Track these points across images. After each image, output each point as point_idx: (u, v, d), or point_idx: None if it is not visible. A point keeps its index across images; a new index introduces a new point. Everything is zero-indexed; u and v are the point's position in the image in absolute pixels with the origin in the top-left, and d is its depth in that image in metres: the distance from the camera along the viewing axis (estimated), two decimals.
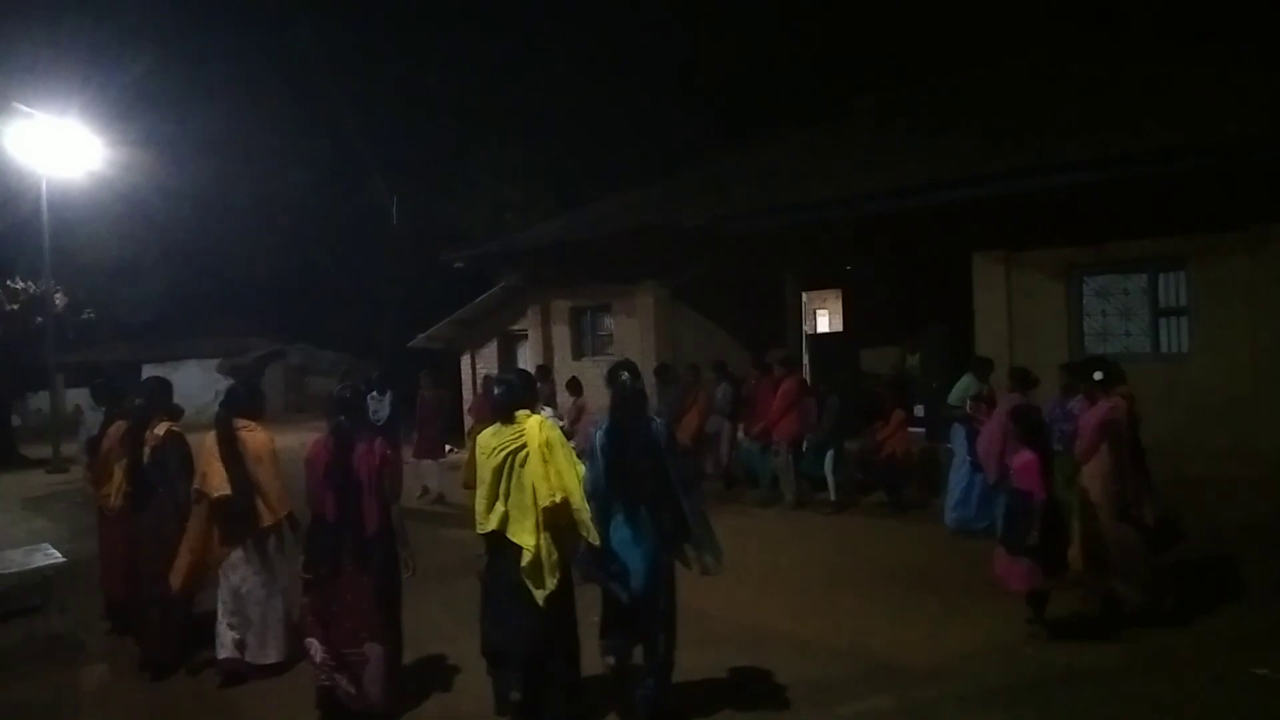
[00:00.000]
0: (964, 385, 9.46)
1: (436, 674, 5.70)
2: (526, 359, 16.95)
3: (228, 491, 5.56)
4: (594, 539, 4.54)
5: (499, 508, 4.58)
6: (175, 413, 6.53)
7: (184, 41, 22.98)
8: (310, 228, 26.57)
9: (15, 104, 16.62)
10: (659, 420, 4.91)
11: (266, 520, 5.69)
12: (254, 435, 5.76)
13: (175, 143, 21.65)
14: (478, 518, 4.67)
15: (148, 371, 30.10)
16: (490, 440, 4.68)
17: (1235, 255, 9.56)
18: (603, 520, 4.60)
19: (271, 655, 5.72)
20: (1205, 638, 5.70)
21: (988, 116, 13.07)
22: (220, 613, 5.70)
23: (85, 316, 20.62)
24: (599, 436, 4.73)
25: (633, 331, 15.26)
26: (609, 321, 16.12)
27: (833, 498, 10.47)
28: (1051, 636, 5.76)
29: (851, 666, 5.56)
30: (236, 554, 5.67)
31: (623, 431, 4.69)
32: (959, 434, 9.18)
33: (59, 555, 8.10)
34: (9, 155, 17.19)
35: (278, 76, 25.40)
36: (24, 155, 17.20)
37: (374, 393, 11.58)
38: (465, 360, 19.17)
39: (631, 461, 4.63)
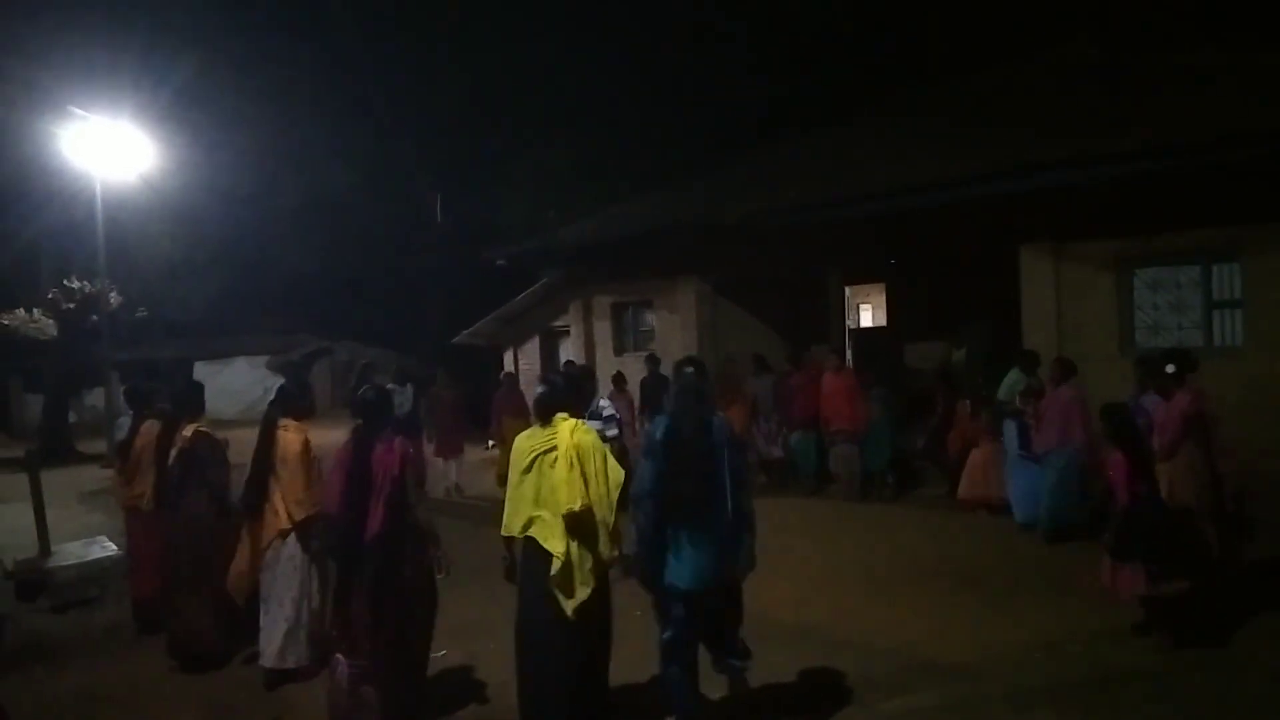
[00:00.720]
0: (1012, 380, 9.38)
1: (470, 676, 5.76)
2: (569, 355, 17.03)
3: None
4: (612, 552, 4.44)
5: (526, 512, 4.49)
6: (198, 413, 6.52)
7: (232, 44, 23.35)
8: (356, 226, 26.91)
9: (70, 107, 17.00)
10: (720, 416, 4.69)
11: (282, 523, 5.61)
12: (285, 435, 5.70)
13: (224, 144, 22.04)
14: (505, 520, 4.61)
15: (199, 369, 30.80)
16: (524, 442, 4.62)
17: None
18: (655, 521, 4.36)
19: (289, 660, 5.63)
20: (1259, 636, 5.57)
21: (1034, 108, 12.86)
22: (260, 613, 5.71)
23: (138, 315, 21.05)
24: (656, 433, 4.53)
25: (674, 327, 15.25)
26: (650, 317, 16.13)
27: (890, 483, 10.73)
28: (1104, 636, 5.66)
29: (894, 663, 5.52)
30: (269, 555, 5.65)
31: (681, 428, 4.47)
32: (1010, 429, 9.06)
33: (115, 548, 8.31)
34: (65, 158, 17.59)
35: (323, 78, 25.73)
36: (79, 158, 17.60)
37: (393, 385, 11.52)
38: (508, 357, 19.30)
39: (690, 459, 4.40)
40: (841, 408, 10.63)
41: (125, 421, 7.57)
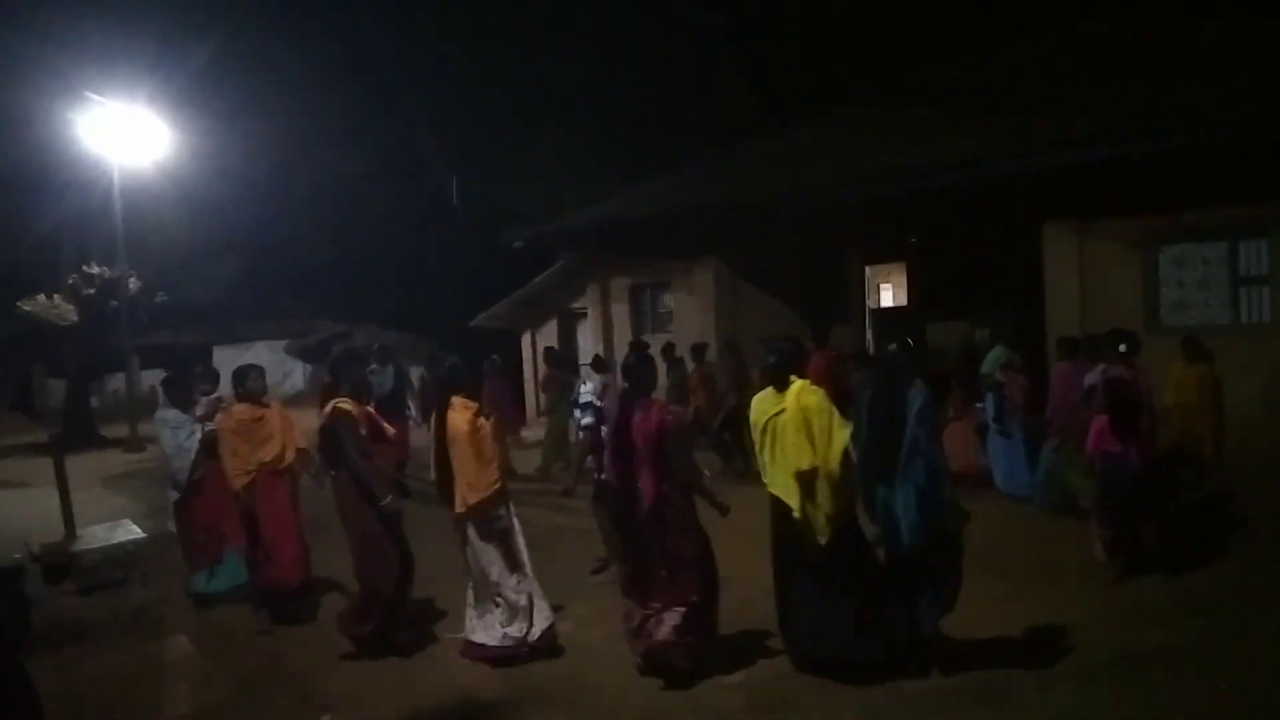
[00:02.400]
0: (995, 355, 9.55)
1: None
2: (586, 337, 17.01)
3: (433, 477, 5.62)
4: (839, 505, 4.76)
5: (769, 470, 4.92)
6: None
7: (248, 30, 23.37)
8: (373, 210, 26.96)
9: (88, 93, 17.06)
10: (919, 387, 4.95)
11: (459, 505, 5.48)
12: (454, 415, 5.55)
13: (241, 129, 22.07)
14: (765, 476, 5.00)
15: (218, 353, 31.00)
16: (760, 405, 4.99)
17: None
18: (867, 485, 4.89)
19: (479, 636, 5.59)
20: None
21: (1056, 86, 12.67)
22: (468, 594, 5.67)
23: (158, 300, 21.18)
24: (862, 405, 4.99)
25: (692, 309, 15.20)
26: (668, 299, 16.08)
27: None
28: (1127, 616, 5.61)
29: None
30: (470, 534, 5.52)
31: (883, 399, 4.89)
32: (989, 402, 9.27)
33: (139, 531, 8.38)
34: (83, 144, 17.67)
35: (340, 62, 25.73)
36: (97, 144, 17.67)
37: (374, 365, 11.31)
38: (525, 339, 19.30)
39: (889, 429, 4.79)
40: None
41: (175, 416, 7.11)
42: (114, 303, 19.63)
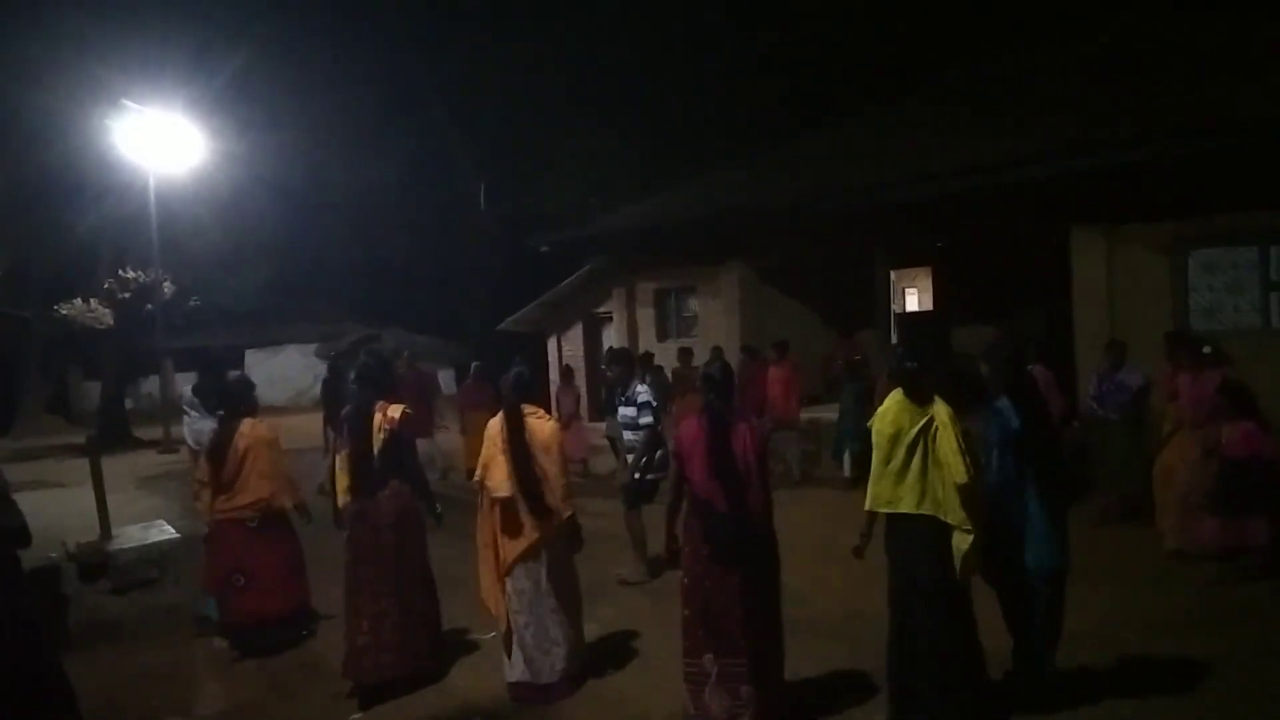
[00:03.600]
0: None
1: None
2: (611, 341, 17.07)
3: (506, 493, 5.15)
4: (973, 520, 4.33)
5: (890, 488, 4.43)
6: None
7: (280, 37, 23.62)
8: (402, 214, 27.18)
9: (124, 100, 17.36)
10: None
11: (542, 522, 5.18)
12: (541, 423, 5.29)
13: (271, 135, 22.33)
14: (877, 499, 4.48)
15: (250, 356, 31.37)
16: (894, 415, 4.47)
17: None
18: (1010, 505, 4.54)
19: (544, 676, 5.20)
20: None
21: (1080, 87, 12.60)
22: (512, 626, 5.23)
23: (192, 304, 21.48)
24: (1004, 420, 4.59)
25: (717, 313, 15.22)
26: (693, 303, 16.11)
27: (846, 474, 10.92)
28: (1155, 623, 5.58)
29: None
30: (553, 553, 5.24)
31: (1027, 412, 4.60)
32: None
33: (173, 531, 8.52)
34: (120, 150, 17.97)
35: (369, 69, 25.96)
36: (133, 150, 17.97)
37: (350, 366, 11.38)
38: (551, 343, 19.39)
39: (1034, 440, 4.56)
40: (777, 398, 11.41)
41: (200, 422, 7.02)
42: (149, 307, 19.94)
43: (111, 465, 11.66)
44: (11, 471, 4.40)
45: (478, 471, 5.34)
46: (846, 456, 11.11)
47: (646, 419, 7.38)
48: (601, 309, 17.97)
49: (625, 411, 7.63)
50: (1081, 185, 10.45)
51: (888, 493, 4.44)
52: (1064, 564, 4.59)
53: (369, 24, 26.50)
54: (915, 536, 4.39)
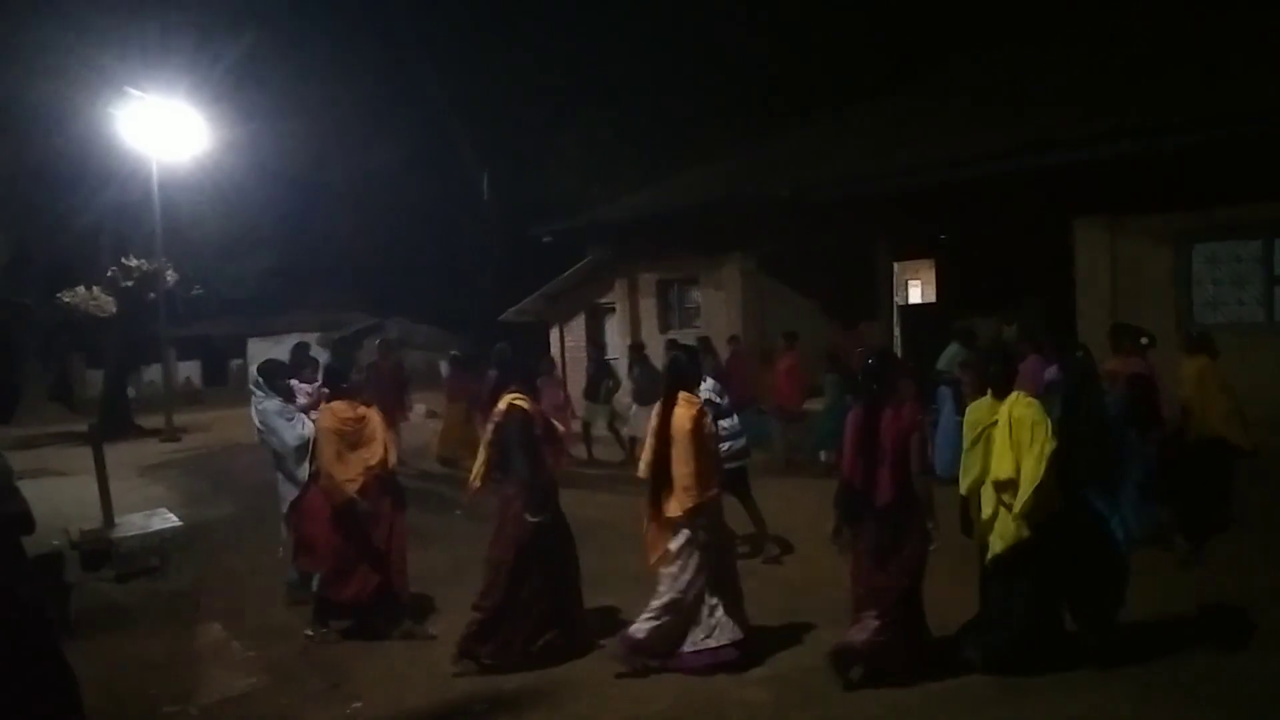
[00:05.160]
0: (952, 352, 10.09)
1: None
2: (613, 332, 17.07)
3: (643, 475, 5.32)
4: (1031, 510, 4.75)
5: (973, 475, 5.00)
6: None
7: (283, 24, 23.58)
8: (405, 204, 27.17)
9: (127, 88, 17.33)
10: (1110, 392, 5.44)
11: (673, 509, 5.16)
12: (680, 410, 5.25)
13: (275, 123, 22.30)
14: (961, 482, 5.09)
15: (253, 345, 31.38)
16: (977, 413, 5.09)
17: None
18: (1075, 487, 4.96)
19: (687, 645, 5.24)
20: None
21: (1082, 78, 12.56)
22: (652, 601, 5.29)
23: (194, 292, 21.45)
24: (1054, 410, 5.11)
25: (719, 304, 15.22)
26: (696, 294, 16.10)
27: (824, 460, 11.07)
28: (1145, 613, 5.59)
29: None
30: (681, 539, 5.21)
31: (1078, 403, 5.15)
32: (946, 396, 9.78)
33: (176, 519, 8.55)
34: (122, 138, 17.95)
35: (374, 56, 25.92)
36: (136, 138, 17.94)
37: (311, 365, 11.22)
38: (554, 334, 19.39)
39: (1085, 431, 5.03)
40: (782, 388, 11.64)
41: (266, 402, 6.71)
42: (151, 295, 19.91)
43: (114, 453, 11.71)
44: (14, 459, 4.40)
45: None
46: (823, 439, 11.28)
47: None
48: (604, 300, 17.95)
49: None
50: (1084, 177, 10.43)
51: (963, 479, 5.07)
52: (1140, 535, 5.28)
53: (372, 12, 26.46)
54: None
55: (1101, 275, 10.65)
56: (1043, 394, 7.26)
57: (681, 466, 5.13)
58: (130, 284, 20.18)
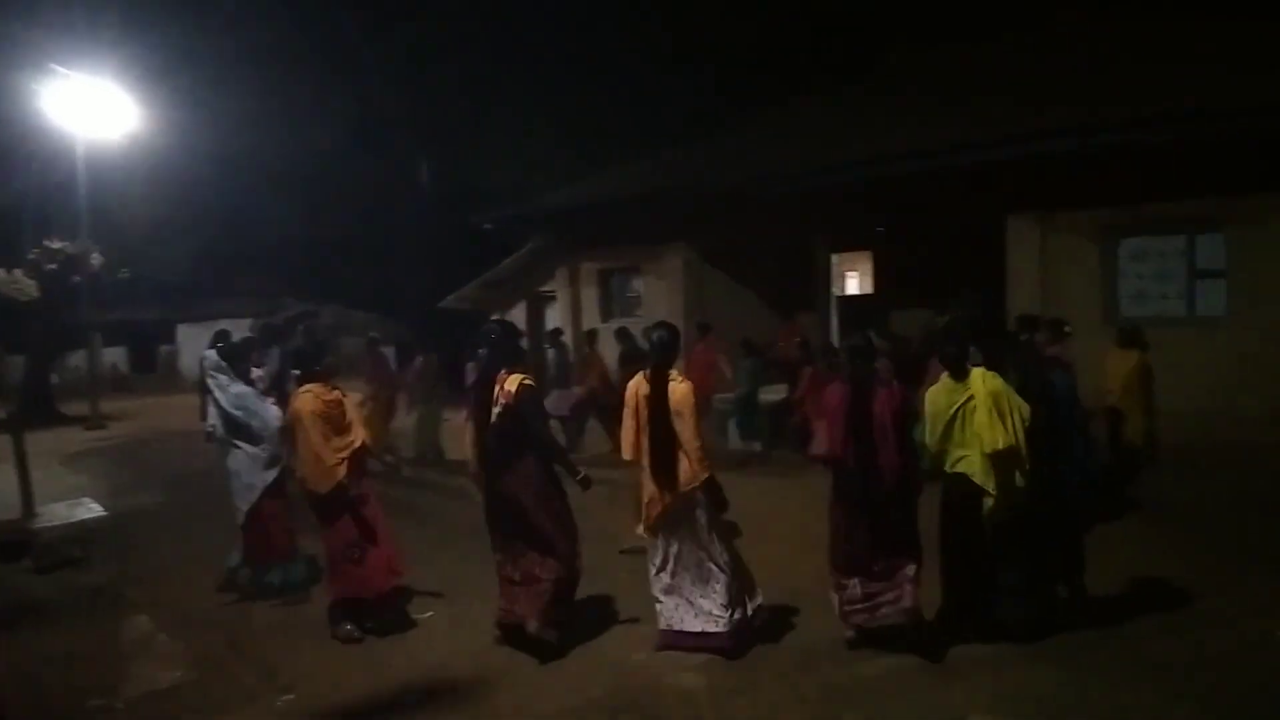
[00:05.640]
0: None
1: (460, 635, 5.80)
2: (555, 321, 17.01)
3: (630, 458, 5.30)
4: (1022, 481, 5.00)
5: (954, 453, 5.10)
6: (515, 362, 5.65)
7: (216, 3, 23.00)
8: (341, 188, 26.65)
9: (53, 65, 16.75)
10: (1062, 373, 5.68)
11: (685, 482, 5.11)
12: (675, 386, 5.19)
13: (208, 104, 21.76)
14: (933, 458, 5.18)
15: (182, 331, 30.63)
16: (943, 396, 5.15)
17: (1274, 217, 9.42)
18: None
19: (695, 624, 5.25)
20: (1229, 602, 5.67)
21: (1021, 76, 12.84)
22: (654, 574, 5.35)
23: (120, 276, 20.86)
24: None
25: (661, 294, 15.25)
26: (637, 283, 16.11)
27: (758, 449, 11.30)
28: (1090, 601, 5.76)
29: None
30: (697, 513, 5.20)
31: (1030, 383, 5.34)
32: None
33: (99, 509, 8.33)
34: (47, 116, 17.36)
35: (307, 38, 25.37)
36: (61, 116, 17.36)
37: (260, 348, 11.01)
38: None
39: (1039, 409, 5.19)
40: (703, 377, 11.59)
41: (234, 387, 6.59)
42: (76, 278, 19.33)
43: (35, 442, 11.34)
44: None
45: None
46: (731, 426, 11.60)
47: None
48: (545, 288, 17.88)
49: None
50: (1016, 173, 10.68)
51: (935, 457, 5.19)
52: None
53: None
54: (960, 494, 5.11)
55: (1032, 269, 10.91)
56: None
57: (692, 439, 5.12)
58: (54, 267, 19.57)
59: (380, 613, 5.89)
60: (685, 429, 5.13)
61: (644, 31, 24.09)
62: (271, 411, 6.57)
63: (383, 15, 25.46)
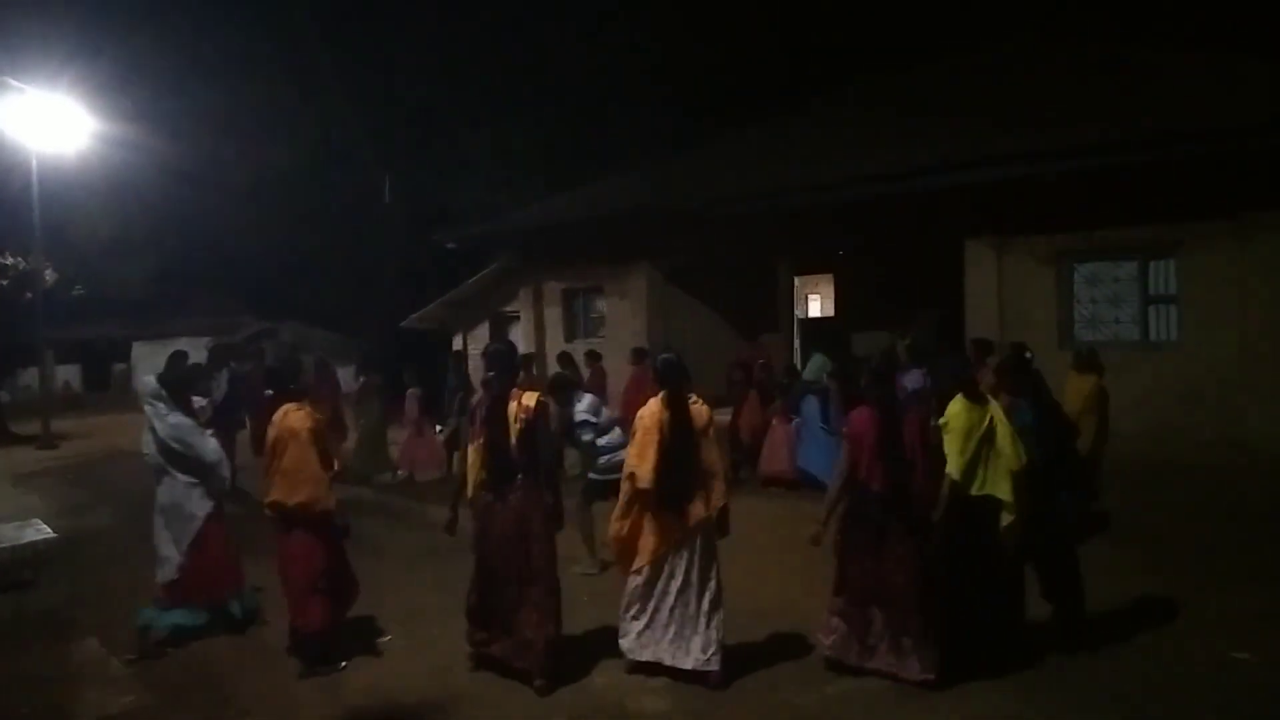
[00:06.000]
0: (820, 364, 10.89)
1: (420, 660, 5.74)
2: (518, 341, 16.97)
3: (649, 485, 4.98)
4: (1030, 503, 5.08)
5: (981, 474, 5.08)
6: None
7: (176, 17, 22.82)
8: (302, 206, 26.47)
9: (6, 78, 16.48)
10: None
11: (700, 511, 5.00)
12: (699, 409, 5.11)
13: (166, 119, 21.51)
14: (960, 475, 5.06)
15: (138, 349, 30.13)
16: (967, 414, 5.11)
17: (1225, 244, 9.63)
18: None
19: (687, 662, 5.07)
20: (1186, 624, 5.76)
21: (979, 102, 13.08)
22: (630, 610, 5.16)
23: (75, 293, 20.55)
24: (1025, 415, 5.39)
25: (625, 314, 15.28)
26: (601, 304, 16.14)
27: None
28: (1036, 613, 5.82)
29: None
30: (699, 541, 5.06)
31: (1044, 410, 5.49)
32: (812, 405, 10.24)
33: (50, 530, 8.13)
34: (0, 131, 17.08)
35: (271, 54, 25.22)
36: (15, 130, 17.07)
37: (233, 363, 10.70)
38: (457, 341, 19.17)
39: (1051, 434, 5.38)
40: (641, 401, 11.45)
41: (173, 417, 6.22)
42: (28, 294, 18.98)
43: None
44: None
45: (628, 462, 5.12)
46: None
47: (588, 437, 7.34)
48: (509, 308, 17.84)
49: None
50: (974, 198, 10.86)
51: (965, 478, 5.08)
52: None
53: (273, 8, 25.80)
54: (974, 514, 5.06)
55: (989, 292, 11.09)
56: (913, 401, 7.68)
57: (717, 462, 5.07)
58: (5, 283, 19.23)
59: (334, 645, 5.65)
60: (713, 452, 5.07)
61: (610, 53, 24.26)
62: (209, 445, 6.21)
63: (347, 31, 25.41)
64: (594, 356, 13.01)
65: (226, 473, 6.34)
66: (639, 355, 12.29)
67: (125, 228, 23.23)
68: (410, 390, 12.27)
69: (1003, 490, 5.03)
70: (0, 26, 17.86)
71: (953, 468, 5.07)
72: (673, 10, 24.52)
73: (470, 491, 5.23)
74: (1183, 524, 7.98)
